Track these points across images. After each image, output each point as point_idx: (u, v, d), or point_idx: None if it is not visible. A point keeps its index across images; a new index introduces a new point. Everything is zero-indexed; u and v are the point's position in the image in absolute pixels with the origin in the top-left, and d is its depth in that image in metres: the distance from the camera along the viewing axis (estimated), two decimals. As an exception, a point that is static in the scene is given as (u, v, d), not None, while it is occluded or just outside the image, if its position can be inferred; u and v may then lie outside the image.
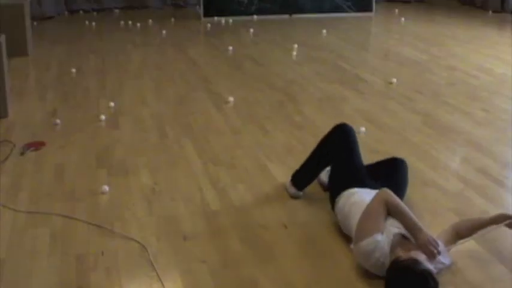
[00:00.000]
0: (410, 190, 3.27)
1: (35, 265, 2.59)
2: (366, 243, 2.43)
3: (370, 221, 2.48)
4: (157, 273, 2.52)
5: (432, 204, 3.13)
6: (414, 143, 3.94)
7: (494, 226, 2.56)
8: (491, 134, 4.08)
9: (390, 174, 3.03)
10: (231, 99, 4.74)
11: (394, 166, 3.10)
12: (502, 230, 2.67)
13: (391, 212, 2.53)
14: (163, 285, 2.45)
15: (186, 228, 2.88)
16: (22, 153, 3.72)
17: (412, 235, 2.45)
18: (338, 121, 4.29)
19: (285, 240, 2.79)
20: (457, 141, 3.98)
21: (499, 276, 2.52)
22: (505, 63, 5.93)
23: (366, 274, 2.50)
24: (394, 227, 2.49)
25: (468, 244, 2.75)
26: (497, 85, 5.23)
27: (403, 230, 2.48)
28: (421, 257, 2.32)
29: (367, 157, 3.69)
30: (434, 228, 2.86)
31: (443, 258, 2.49)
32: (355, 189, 2.79)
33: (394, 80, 5.27)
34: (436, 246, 2.37)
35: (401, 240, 2.44)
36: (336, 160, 3.00)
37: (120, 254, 2.66)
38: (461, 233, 2.62)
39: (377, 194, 2.58)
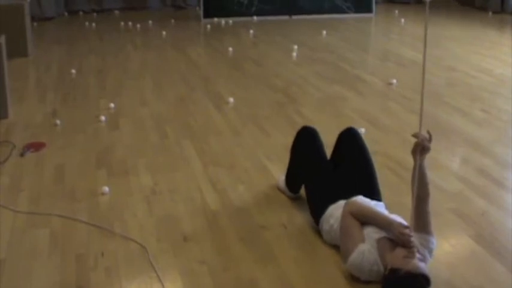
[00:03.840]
0: (410, 190, 3.27)
1: (35, 265, 2.59)
2: (352, 258, 2.44)
3: (347, 238, 2.52)
4: (157, 273, 2.52)
5: (432, 204, 3.10)
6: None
7: (417, 162, 2.48)
8: (491, 135, 4.08)
9: (350, 148, 3.05)
10: (231, 99, 4.74)
11: (348, 139, 3.09)
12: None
13: (360, 220, 2.54)
14: (163, 285, 2.45)
15: (186, 228, 2.88)
16: (22, 154, 3.72)
17: (387, 232, 2.46)
18: (338, 121, 4.31)
19: (284, 241, 2.79)
20: (456, 141, 3.98)
21: (499, 276, 2.52)
22: (505, 64, 5.93)
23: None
24: (375, 233, 2.49)
25: (468, 244, 2.76)
26: (497, 86, 5.24)
27: (383, 233, 2.48)
28: (400, 261, 2.29)
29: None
30: (434, 228, 2.86)
31: (426, 243, 2.46)
32: (331, 208, 2.75)
33: (394, 81, 5.28)
34: (407, 233, 2.35)
35: (387, 243, 2.44)
36: (307, 175, 2.99)
37: (120, 255, 2.66)
38: (417, 193, 2.50)
39: (342, 210, 2.61)
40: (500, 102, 4.80)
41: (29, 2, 6.46)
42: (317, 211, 2.81)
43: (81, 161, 3.66)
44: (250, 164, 3.62)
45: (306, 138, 3.11)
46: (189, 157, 3.72)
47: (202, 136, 4.05)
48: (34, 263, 2.60)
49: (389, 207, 2.80)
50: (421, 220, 2.49)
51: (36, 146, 3.84)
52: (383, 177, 3.43)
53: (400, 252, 2.33)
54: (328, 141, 3.85)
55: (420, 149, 2.47)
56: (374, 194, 2.85)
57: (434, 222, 2.91)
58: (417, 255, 2.31)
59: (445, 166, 3.59)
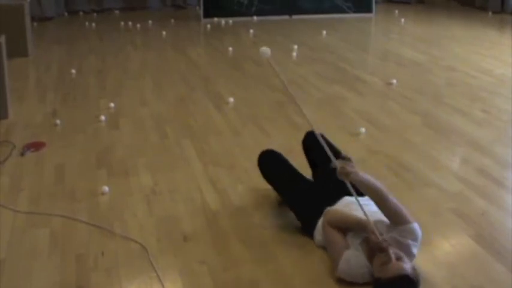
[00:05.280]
0: (410, 190, 3.28)
1: (35, 265, 2.59)
2: (340, 266, 2.45)
3: (332, 248, 2.54)
4: (157, 273, 2.52)
5: (432, 204, 3.13)
6: (414, 144, 3.94)
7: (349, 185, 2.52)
8: (491, 135, 4.08)
9: (318, 153, 2.98)
10: (231, 99, 4.74)
11: (312, 145, 3.09)
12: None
13: (340, 227, 2.55)
14: (163, 285, 2.45)
15: (186, 228, 2.88)
16: (22, 154, 3.72)
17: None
18: (338, 121, 4.31)
19: (284, 241, 2.78)
20: (456, 141, 3.98)
21: (499, 276, 2.52)
22: (505, 64, 5.93)
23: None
24: (357, 238, 2.50)
25: (468, 244, 2.76)
26: (497, 86, 5.24)
27: (365, 234, 2.48)
28: (378, 269, 2.30)
29: (367, 158, 3.70)
30: (434, 228, 2.87)
31: (406, 233, 2.44)
32: (319, 222, 2.72)
33: (394, 81, 5.27)
34: (376, 240, 2.35)
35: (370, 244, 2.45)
36: (284, 197, 2.97)
37: (120, 255, 2.66)
38: (373, 200, 2.54)
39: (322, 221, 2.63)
40: (500, 102, 4.79)
41: (29, 2, 6.46)
42: (308, 227, 2.78)
43: (81, 161, 3.66)
44: (250, 164, 3.61)
45: (268, 165, 3.05)
46: (189, 157, 3.72)
47: (202, 136, 4.05)
48: (34, 263, 2.60)
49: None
50: (392, 215, 2.47)
51: (36, 146, 3.84)
52: (383, 177, 3.43)
53: (377, 259, 2.33)
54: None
55: (344, 174, 2.47)
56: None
57: (434, 222, 2.93)
58: (392, 256, 2.28)
59: (445, 166, 3.59)
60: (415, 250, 2.45)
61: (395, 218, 2.47)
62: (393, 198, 2.52)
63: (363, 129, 4.10)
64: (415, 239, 2.45)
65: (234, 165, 3.59)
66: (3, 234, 2.82)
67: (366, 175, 2.54)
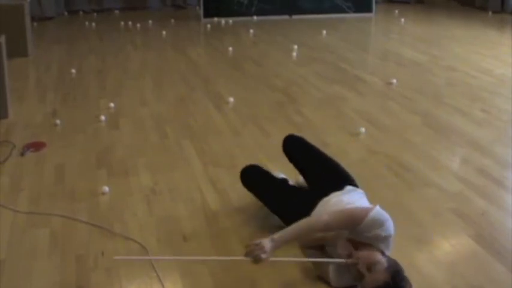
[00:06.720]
0: (410, 190, 3.28)
1: (35, 265, 2.59)
2: (333, 280, 2.44)
3: (316, 267, 2.53)
4: (157, 273, 2.52)
5: (432, 204, 3.13)
6: (414, 144, 3.94)
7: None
8: (491, 135, 4.08)
9: (299, 156, 3.04)
10: (231, 99, 4.74)
11: (292, 150, 3.09)
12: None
13: (317, 244, 2.55)
14: (163, 285, 2.45)
15: (186, 228, 2.88)
16: (22, 154, 3.72)
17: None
18: (338, 121, 4.31)
19: (285, 241, 2.78)
20: (456, 141, 3.98)
21: (499, 276, 2.52)
22: (505, 64, 5.93)
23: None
24: (334, 247, 2.49)
25: (468, 244, 2.76)
26: (497, 86, 5.24)
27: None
28: (363, 284, 2.28)
29: (367, 158, 3.70)
30: (434, 228, 2.87)
31: (367, 228, 2.36)
32: None
33: (394, 81, 5.28)
34: (343, 262, 2.32)
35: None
36: (272, 210, 2.92)
37: (120, 255, 2.66)
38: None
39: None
40: (500, 102, 4.80)
41: (29, 2, 6.46)
42: None
43: (81, 161, 3.66)
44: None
45: (250, 180, 3.01)
46: (189, 157, 3.72)
47: (202, 136, 4.05)
48: (34, 263, 2.60)
49: (390, 207, 2.77)
50: (345, 227, 2.41)
51: (36, 146, 3.84)
52: (383, 177, 3.43)
53: (356, 275, 2.31)
54: (328, 141, 3.87)
55: (258, 261, 2.33)
56: (344, 181, 2.78)
57: (434, 222, 2.93)
58: (363, 269, 2.24)
59: (445, 166, 3.59)
60: (387, 231, 2.36)
61: (350, 226, 2.39)
62: (330, 214, 2.44)
63: (363, 129, 4.10)
64: (379, 224, 2.35)
65: (234, 165, 3.58)
66: (3, 234, 2.82)
67: (283, 232, 2.40)
